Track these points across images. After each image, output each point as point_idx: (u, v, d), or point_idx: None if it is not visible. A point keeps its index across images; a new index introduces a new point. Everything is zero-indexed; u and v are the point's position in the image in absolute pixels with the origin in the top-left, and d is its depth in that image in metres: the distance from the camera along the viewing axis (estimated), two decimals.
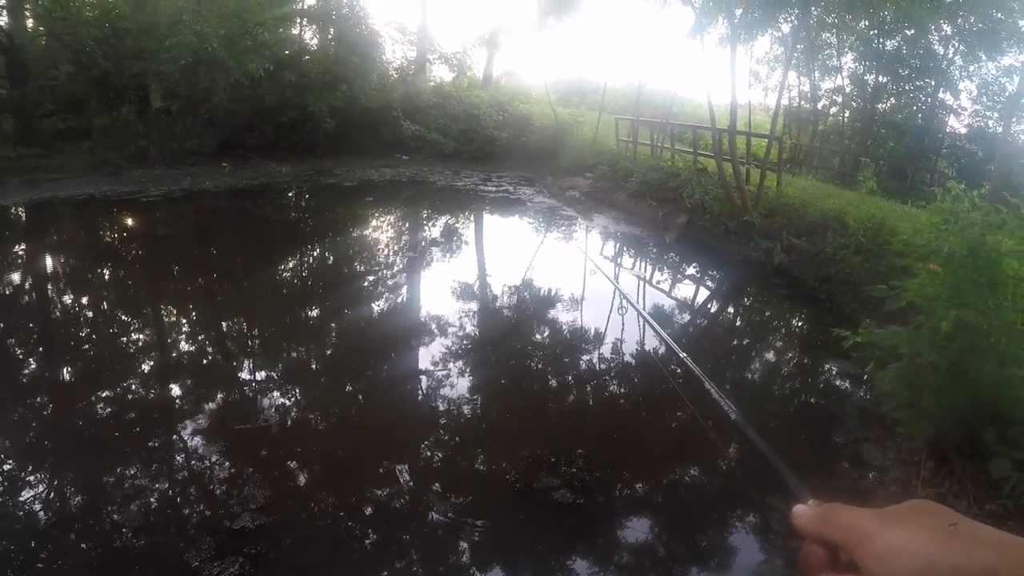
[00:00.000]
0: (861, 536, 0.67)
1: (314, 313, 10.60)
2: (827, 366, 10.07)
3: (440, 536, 5.29)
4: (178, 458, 6.10)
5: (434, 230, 17.17)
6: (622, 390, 8.52)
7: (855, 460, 6.97)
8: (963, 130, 27.20)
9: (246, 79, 19.89)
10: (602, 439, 7.06)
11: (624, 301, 11.15)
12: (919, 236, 7.32)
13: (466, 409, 7.48)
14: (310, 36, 26.14)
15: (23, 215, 14.81)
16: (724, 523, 5.85)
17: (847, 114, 28.63)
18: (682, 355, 1.45)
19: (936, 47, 25.79)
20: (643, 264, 15.43)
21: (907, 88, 27.43)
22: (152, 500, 5.36)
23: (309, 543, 5.05)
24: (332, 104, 22.47)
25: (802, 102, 29.34)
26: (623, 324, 10.60)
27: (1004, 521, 4.77)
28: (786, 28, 24.32)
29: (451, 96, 27.58)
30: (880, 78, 27.12)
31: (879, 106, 27.68)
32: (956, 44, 25.25)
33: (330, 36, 25.35)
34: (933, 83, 26.37)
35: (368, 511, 5.52)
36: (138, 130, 19.22)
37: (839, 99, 28.88)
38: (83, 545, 4.86)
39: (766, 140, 17.51)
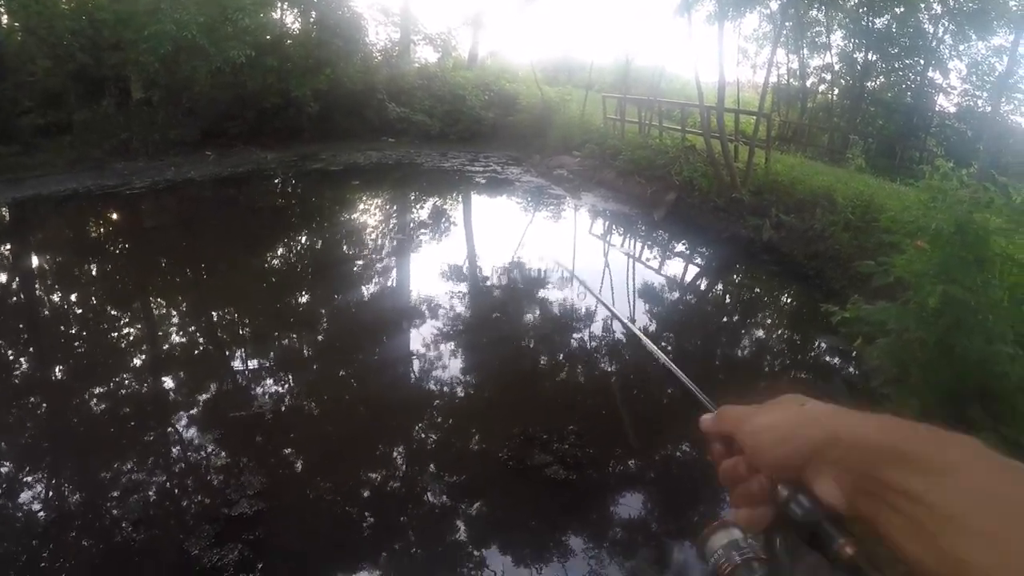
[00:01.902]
0: (740, 423, 0.84)
1: (305, 299, 10.56)
2: (816, 341, 10.14)
3: (436, 516, 5.32)
4: (174, 448, 6.11)
5: (422, 212, 17.13)
6: (612, 367, 8.55)
7: None
8: (952, 109, 27.23)
9: (227, 66, 19.60)
10: (593, 415, 7.10)
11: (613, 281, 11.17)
12: (907, 213, 7.34)
13: (458, 389, 7.51)
14: (291, 20, 25.74)
15: (6, 215, 14.62)
16: (716, 497, 5.88)
17: (836, 92, 28.68)
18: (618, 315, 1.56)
19: (926, 26, 25.78)
20: (632, 242, 15.43)
21: (896, 66, 27.43)
22: (150, 491, 5.36)
23: (307, 527, 5.08)
24: (316, 88, 22.31)
25: (791, 80, 29.32)
26: (612, 303, 10.63)
27: None
28: (775, 5, 24.19)
29: (436, 77, 27.43)
30: (869, 56, 27.10)
31: (868, 84, 27.69)
32: (946, 23, 25.22)
33: (312, 19, 25.02)
34: (922, 62, 26.35)
35: (365, 494, 5.56)
36: (119, 122, 19.02)
37: (828, 77, 28.91)
38: (83, 540, 4.86)
39: (754, 117, 17.49)
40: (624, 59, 24.64)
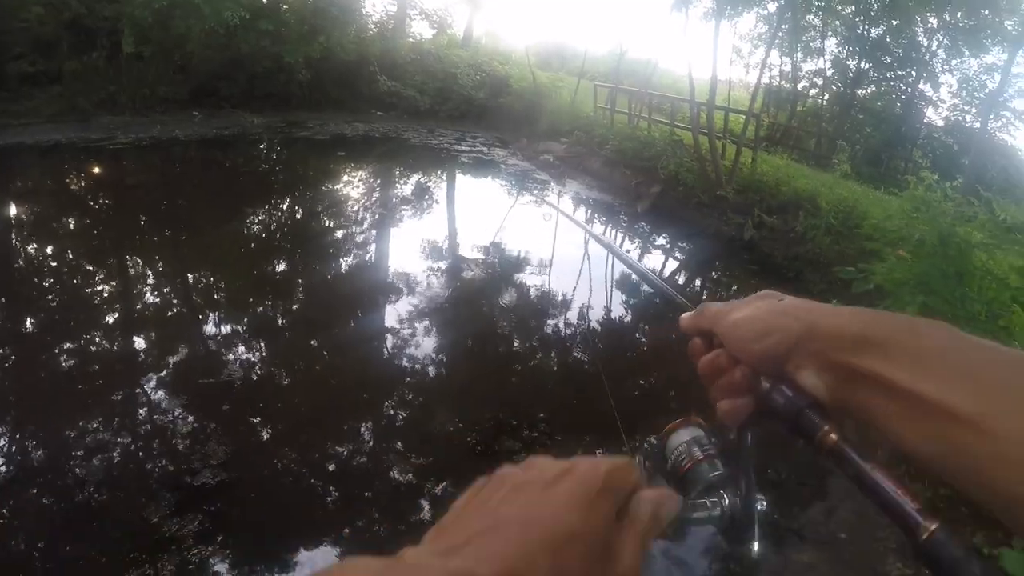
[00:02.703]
0: (721, 318, 0.85)
1: (281, 268, 10.43)
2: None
3: (400, 495, 5.27)
4: (140, 412, 6.00)
5: (405, 188, 16.97)
6: (584, 355, 8.51)
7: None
8: (940, 122, 27.51)
9: (221, 27, 19.37)
10: (564, 403, 7.07)
11: (590, 267, 11.15)
12: (890, 222, 7.38)
13: (430, 370, 7.44)
14: None
15: None
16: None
17: (826, 97, 28.87)
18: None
19: (920, 38, 26.04)
20: (614, 232, 15.40)
21: (888, 76, 27.62)
22: (112, 455, 5.27)
23: (270, 500, 5.01)
24: (308, 56, 22.09)
25: (783, 82, 29.46)
26: (590, 290, 10.62)
27: (957, 507, 4.82)
28: (772, 7, 24.24)
29: (430, 53, 27.30)
30: (862, 64, 27.27)
31: (859, 92, 27.86)
32: (940, 38, 25.48)
33: None
34: (914, 74, 26.60)
35: (329, 468, 5.49)
36: (109, 75, 18.63)
37: (820, 82, 29.11)
38: (42, 500, 4.77)
39: (744, 117, 17.53)
40: (618, 50, 24.64)
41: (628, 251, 14.08)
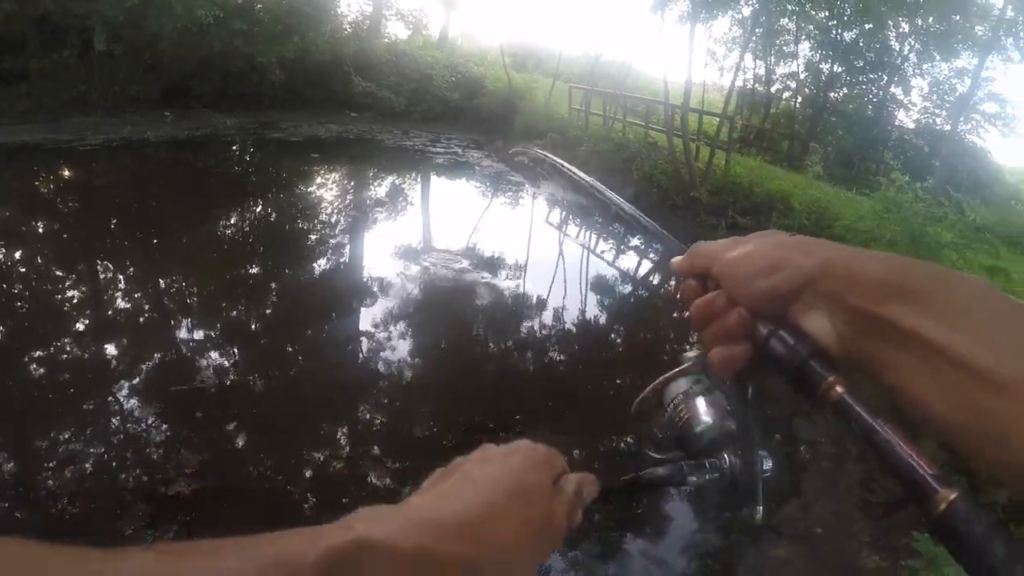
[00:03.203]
0: (717, 255, 0.77)
1: (254, 271, 10.34)
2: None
3: (378, 501, 5.23)
4: (111, 421, 5.90)
5: (379, 190, 16.86)
6: (560, 356, 8.53)
7: (787, 434, 7.13)
8: (911, 125, 27.88)
9: (194, 26, 19.14)
10: (540, 406, 7.07)
11: (565, 268, 11.16)
12: (862, 222, 7.46)
13: (406, 373, 7.40)
14: None
15: None
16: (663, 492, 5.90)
17: (799, 100, 29.13)
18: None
19: (892, 43, 26.37)
20: (588, 233, 15.43)
21: (860, 80, 27.90)
22: (83, 465, 5.18)
23: (246, 509, 4.94)
24: (282, 56, 21.87)
25: (756, 85, 29.68)
26: (565, 291, 10.63)
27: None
28: (746, 10, 24.39)
29: (405, 54, 27.16)
30: (835, 68, 27.53)
31: (831, 95, 28.11)
32: (912, 42, 25.82)
33: None
34: (886, 77, 26.91)
35: (306, 476, 5.46)
36: (79, 74, 18.35)
37: (793, 85, 29.38)
38: (12, 513, 4.69)
39: (718, 119, 17.63)
40: (593, 52, 24.69)
41: (603, 252, 14.13)
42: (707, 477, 0.82)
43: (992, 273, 6.40)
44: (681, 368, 0.89)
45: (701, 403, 0.86)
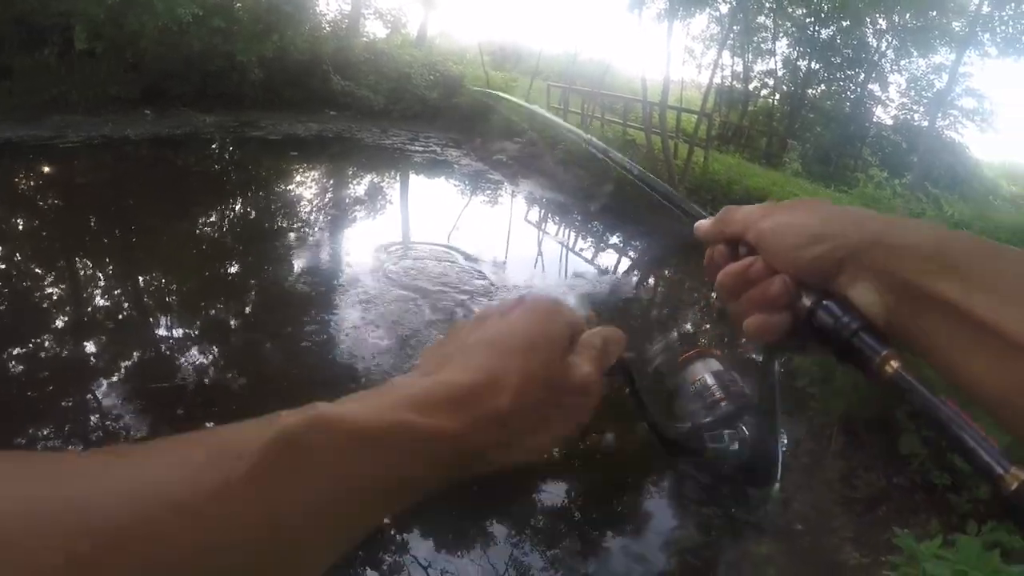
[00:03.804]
0: (755, 221, 0.73)
1: (233, 269, 10.30)
2: (743, 340, 10.26)
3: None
4: (91, 418, 5.88)
5: (358, 189, 16.86)
6: None
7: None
8: (889, 121, 28.03)
9: (175, 24, 19.07)
10: None
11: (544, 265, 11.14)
12: None
13: (384, 372, 7.38)
14: None
15: None
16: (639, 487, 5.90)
17: (777, 97, 29.24)
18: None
19: (870, 39, 26.52)
20: (567, 231, 15.44)
21: (838, 76, 28.07)
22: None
23: None
24: (261, 54, 21.75)
25: (734, 82, 29.77)
26: (544, 288, 10.60)
27: (911, 495, 4.88)
28: (724, 8, 24.48)
29: (384, 53, 27.07)
30: (813, 64, 27.67)
31: (809, 91, 28.25)
32: (889, 39, 25.97)
33: None
34: (864, 74, 27.09)
35: None
36: (60, 73, 18.22)
37: (771, 82, 29.48)
38: None
39: (696, 116, 17.66)
40: (572, 51, 24.70)
41: (581, 250, 14.14)
42: (726, 447, 0.79)
43: None
44: (696, 351, 0.89)
45: (720, 378, 0.84)
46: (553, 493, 5.70)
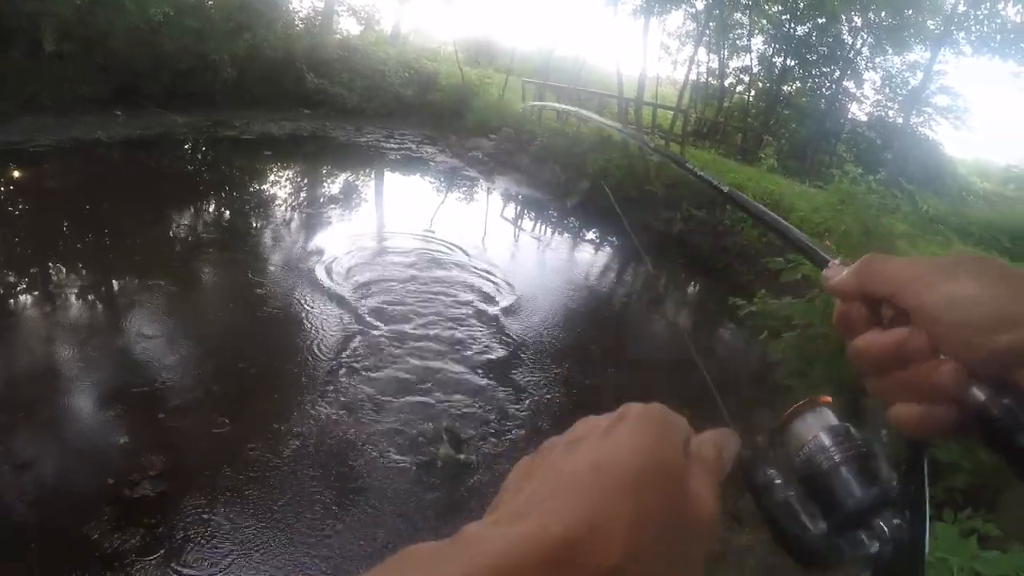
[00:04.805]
0: (918, 284, 0.60)
1: (209, 270, 10.14)
2: (722, 333, 10.28)
3: (342, 498, 5.24)
4: (72, 425, 5.75)
5: (333, 187, 16.76)
6: (521, 357, 8.41)
7: (747, 423, 7.16)
8: (864, 117, 28.22)
9: (145, 24, 18.85)
10: (505, 409, 7.02)
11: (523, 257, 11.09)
12: (817, 214, 7.53)
13: (361, 375, 7.25)
14: None
15: None
16: None
17: (753, 93, 29.33)
18: None
19: (845, 36, 26.72)
20: (543, 227, 15.43)
21: (813, 73, 28.24)
22: (46, 471, 5.07)
23: (211, 510, 4.88)
24: (234, 53, 21.54)
25: (710, 78, 29.83)
26: (517, 289, 10.54)
27: None
28: (700, 4, 24.57)
29: (358, 50, 26.92)
30: (788, 61, 27.81)
31: (784, 88, 28.41)
32: (865, 36, 26.15)
33: None
34: (839, 71, 27.22)
35: (268, 476, 5.35)
36: (29, 75, 17.69)
37: (746, 78, 29.60)
38: None
39: (672, 112, 17.69)
40: (547, 48, 24.69)
41: (558, 245, 14.12)
42: (861, 552, 0.63)
43: None
44: (808, 400, 0.70)
45: (842, 449, 0.65)
46: None
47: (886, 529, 0.61)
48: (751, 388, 8.06)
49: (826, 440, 0.64)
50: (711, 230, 13.76)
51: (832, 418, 0.67)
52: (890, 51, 25.81)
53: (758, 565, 4.83)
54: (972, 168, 30.47)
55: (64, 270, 9.41)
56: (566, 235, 15.10)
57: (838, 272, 0.68)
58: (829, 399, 0.67)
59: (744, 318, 7.19)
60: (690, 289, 13.10)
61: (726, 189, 1.03)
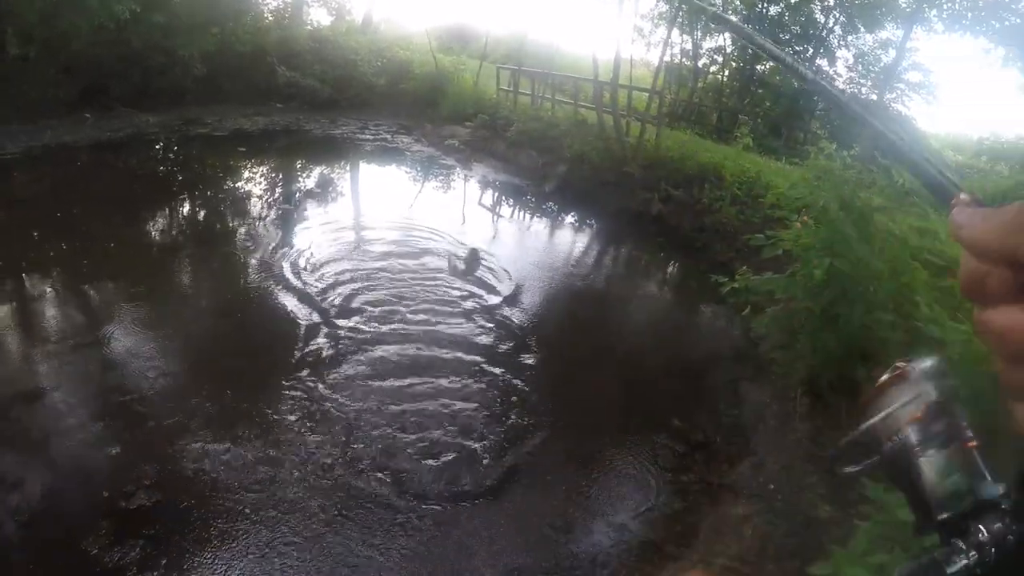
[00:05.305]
0: None
1: (186, 275, 9.94)
2: (704, 311, 10.34)
3: (337, 501, 5.20)
4: (62, 439, 5.62)
5: (309, 181, 16.62)
6: (509, 368, 8.33)
7: (734, 398, 7.24)
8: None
9: (111, 22, 18.50)
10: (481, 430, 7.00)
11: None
12: (795, 190, 7.59)
13: (341, 379, 7.13)
14: None
15: None
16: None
17: (726, 73, 29.36)
18: None
19: (817, 15, 26.86)
20: (522, 213, 15.43)
21: (787, 52, 28.26)
22: (40, 486, 4.99)
23: (209, 516, 4.85)
24: (203, 49, 21.24)
25: (683, 59, 29.83)
26: (507, 272, 10.51)
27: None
28: None
29: (329, 41, 26.73)
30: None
31: (758, 67, 28.42)
32: (837, 15, 26.27)
33: None
34: (812, 49, 27.29)
35: (265, 479, 5.32)
36: None
37: (720, 58, 29.61)
38: None
39: (647, 94, 17.69)
40: (520, 33, 24.64)
41: (539, 230, 14.12)
42: (962, 562, 0.56)
43: (922, 234, 6.54)
44: (897, 373, 0.63)
45: (940, 450, 0.59)
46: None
47: (986, 533, 0.56)
48: (736, 362, 8.14)
49: (918, 435, 0.59)
50: (690, 210, 13.80)
51: (931, 392, 0.61)
52: (862, 29, 25.97)
53: (755, 534, 4.86)
54: (944, 141, 30.67)
55: (36, 280, 9.21)
56: (544, 219, 15.09)
57: (973, 218, 0.54)
58: (930, 365, 0.60)
59: (727, 295, 7.25)
60: (670, 268, 13.12)
61: (810, 75, 0.95)
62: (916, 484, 0.59)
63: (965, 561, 0.55)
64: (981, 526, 0.55)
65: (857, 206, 6.50)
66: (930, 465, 0.58)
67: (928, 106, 26.45)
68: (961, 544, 0.56)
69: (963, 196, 0.56)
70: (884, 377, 0.62)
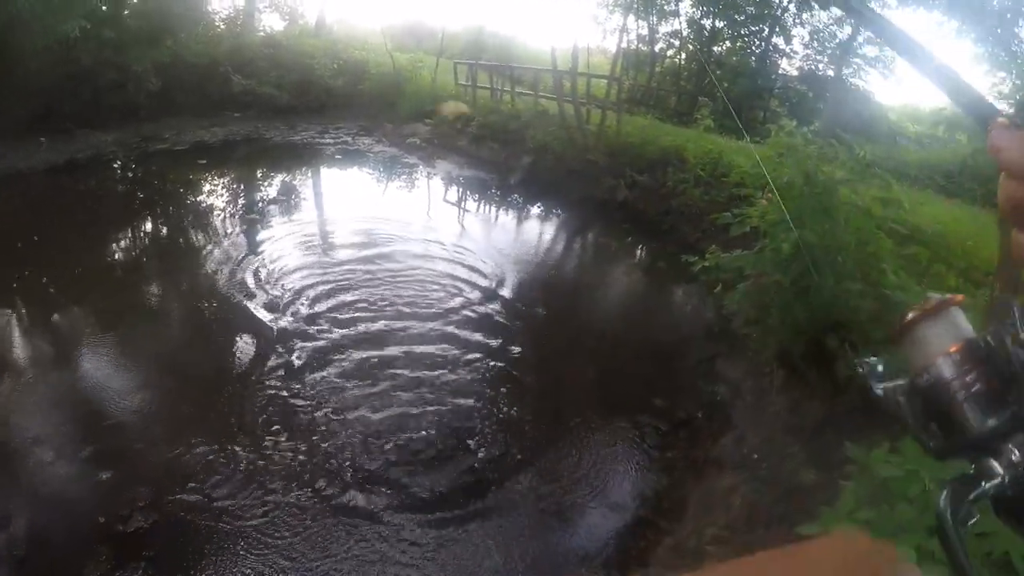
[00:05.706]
0: None
1: (155, 292, 9.85)
2: (676, 292, 10.44)
3: (328, 514, 5.22)
4: (52, 468, 5.58)
5: (272, 189, 16.31)
6: (474, 367, 8.29)
7: (711, 375, 7.34)
8: (795, 72, 28.62)
9: (59, 42, 18.06)
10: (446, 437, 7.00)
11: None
12: (757, 168, 7.68)
13: (327, 395, 7.10)
14: None
15: None
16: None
17: (683, 56, 29.47)
18: None
19: None
20: (488, 206, 15.45)
21: (742, 32, 28.55)
22: (36, 515, 4.97)
23: (207, 534, 4.85)
24: (157, 61, 20.79)
25: (640, 45, 29.90)
26: (471, 278, 10.50)
27: (853, 416, 4.99)
28: None
29: (283, 46, 26.49)
30: (716, 23, 28.03)
31: (715, 49, 28.62)
32: None
33: None
34: (767, 28, 27.47)
35: (259, 494, 5.32)
36: None
37: (676, 42, 29.71)
38: None
39: (606, 81, 17.76)
40: (476, 26, 24.63)
41: (505, 223, 14.15)
42: (996, 480, 0.56)
43: (885, 204, 6.66)
44: (939, 301, 0.62)
45: (972, 385, 0.59)
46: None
47: (1019, 454, 0.56)
48: (711, 340, 8.24)
49: (950, 370, 0.59)
50: (655, 194, 13.87)
51: (963, 327, 0.61)
52: (816, 7, 26.18)
53: (743, 504, 4.93)
54: (902, 113, 30.99)
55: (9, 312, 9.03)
56: (511, 212, 15.12)
57: (1012, 140, 0.53)
58: (961, 298, 0.61)
59: (698, 273, 7.34)
60: (639, 253, 13.19)
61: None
62: (945, 413, 0.59)
63: (999, 480, 0.56)
64: (1013, 447, 0.57)
65: (821, 180, 6.63)
66: (959, 400, 0.58)
67: (885, 80, 26.73)
68: (995, 464, 0.57)
69: (1001, 120, 0.55)
70: (912, 313, 0.62)
